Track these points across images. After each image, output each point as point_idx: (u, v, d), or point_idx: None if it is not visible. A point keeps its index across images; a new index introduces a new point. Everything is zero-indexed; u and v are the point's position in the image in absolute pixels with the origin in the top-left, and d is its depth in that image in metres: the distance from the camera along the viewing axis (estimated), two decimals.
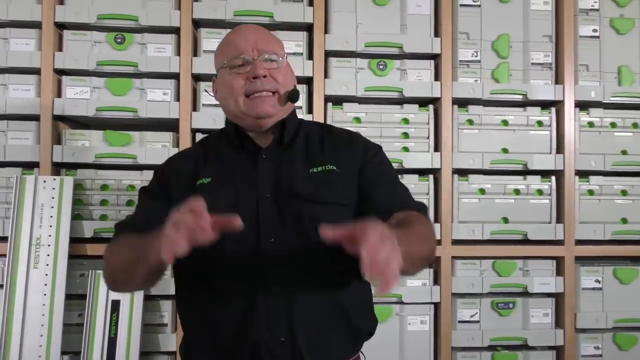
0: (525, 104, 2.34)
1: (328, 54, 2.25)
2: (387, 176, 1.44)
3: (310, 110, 2.23)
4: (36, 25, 2.18)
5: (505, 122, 2.31)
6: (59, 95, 2.20)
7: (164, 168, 1.47)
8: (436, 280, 2.25)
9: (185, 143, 2.16)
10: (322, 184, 1.34)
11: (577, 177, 2.31)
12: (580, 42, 2.35)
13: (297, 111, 2.19)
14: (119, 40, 2.21)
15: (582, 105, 2.36)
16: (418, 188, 2.24)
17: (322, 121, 2.21)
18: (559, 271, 2.29)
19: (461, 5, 2.30)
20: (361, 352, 1.44)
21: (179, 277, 1.43)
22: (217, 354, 1.32)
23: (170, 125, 2.22)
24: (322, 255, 1.23)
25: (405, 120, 2.27)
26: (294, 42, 2.24)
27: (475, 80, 2.29)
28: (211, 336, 1.32)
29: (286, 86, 1.39)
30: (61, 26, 2.23)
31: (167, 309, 2.13)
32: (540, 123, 2.33)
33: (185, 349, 1.40)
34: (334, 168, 1.37)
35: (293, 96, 1.40)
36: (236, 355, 1.29)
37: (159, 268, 1.25)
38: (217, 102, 2.12)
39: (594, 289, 2.30)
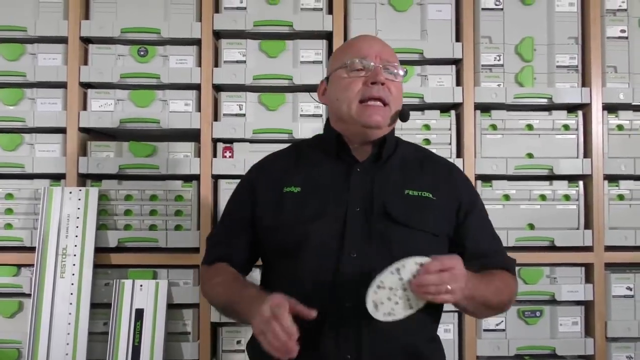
0: (550, 107, 2.29)
1: None
2: (487, 230, 1.45)
3: None
4: (63, 40, 2.24)
5: (530, 127, 2.27)
6: (85, 108, 2.25)
7: (255, 173, 1.48)
8: None
9: (207, 153, 2.19)
10: (416, 208, 1.33)
11: (606, 182, 2.25)
12: (608, 44, 2.28)
13: (316, 120, 2.24)
14: (142, 52, 2.25)
15: (611, 108, 2.29)
16: None
17: None
18: (588, 278, 2.23)
19: (483, 9, 2.27)
20: None
21: (265, 274, 1.47)
22: None
23: (191, 136, 2.24)
24: None
25: (427, 127, 2.25)
26: (313, 51, 2.24)
27: (499, 85, 2.25)
28: None
29: (398, 102, 1.38)
30: (86, 40, 2.28)
31: (189, 318, 2.15)
32: (566, 127, 2.27)
33: (253, 347, 1.39)
34: (431, 196, 1.37)
35: (404, 114, 1.39)
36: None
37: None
38: (238, 112, 2.18)
39: (625, 296, 2.23)
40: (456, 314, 2.20)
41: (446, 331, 2.19)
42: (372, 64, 1.34)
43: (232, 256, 1.43)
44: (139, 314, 2.07)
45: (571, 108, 2.30)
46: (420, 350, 1.34)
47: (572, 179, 2.26)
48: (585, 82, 2.28)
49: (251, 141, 2.22)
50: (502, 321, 2.20)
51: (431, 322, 1.41)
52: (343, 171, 1.37)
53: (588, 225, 2.24)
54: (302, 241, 1.31)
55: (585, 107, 2.28)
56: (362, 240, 1.29)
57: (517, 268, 2.16)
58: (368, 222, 1.30)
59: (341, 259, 1.28)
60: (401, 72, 1.39)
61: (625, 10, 2.30)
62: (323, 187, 1.35)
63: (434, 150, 2.18)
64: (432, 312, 1.35)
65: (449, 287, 1.13)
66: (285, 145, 1.57)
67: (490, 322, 2.20)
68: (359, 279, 1.24)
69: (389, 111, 1.35)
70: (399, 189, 1.35)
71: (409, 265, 1.19)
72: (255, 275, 1.65)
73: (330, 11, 2.25)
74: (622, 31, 2.29)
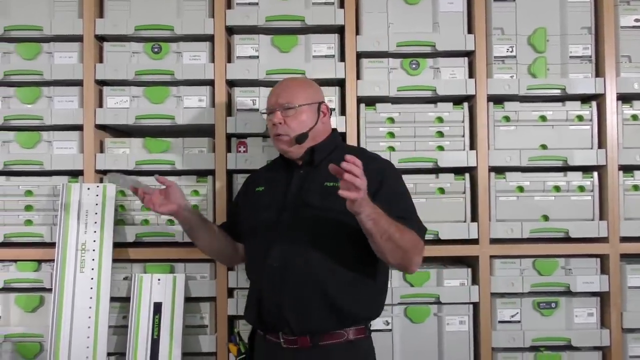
0: (564, 98, 2.28)
1: (360, 55, 2.26)
2: (399, 202, 1.73)
3: (343, 112, 2.24)
4: (78, 38, 2.27)
5: (543, 118, 2.26)
6: (101, 105, 2.29)
7: (247, 181, 2.03)
8: (474, 280, 2.23)
9: (221, 148, 2.21)
10: (329, 194, 1.66)
11: (620, 172, 2.24)
12: (622, 33, 2.27)
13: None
14: (155, 49, 2.27)
15: (625, 98, 2.28)
16: (454, 187, 2.23)
17: (355, 123, 2.22)
18: (604, 269, 2.23)
19: (495, 0, 2.26)
20: (367, 328, 1.78)
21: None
22: (247, 309, 1.84)
23: (206, 131, 2.27)
24: (317, 249, 1.68)
25: (440, 119, 2.25)
26: (325, 45, 2.25)
27: (511, 76, 2.25)
28: (249, 296, 1.85)
29: (300, 129, 1.80)
30: (101, 38, 2.31)
31: (207, 311, 2.19)
32: (580, 117, 2.27)
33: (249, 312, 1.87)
34: None
35: (299, 139, 1.79)
36: (252, 312, 1.78)
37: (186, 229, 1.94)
38: (251, 107, 2.23)
39: None
40: (471, 306, 2.21)
41: (461, 323, 2.20)
42: (273, 108, 1.83)
43: (226, 227, 2.02)
44: (157, 307, 2.11)
45: (585, 99, 2.29)
46: (342, 307, 1.68)
47: (586, 169, 2.26)
48: (599, 72, 2.27)
49: (265, 136, 2.24)
50: (518, 312, 2.21)
51: (364, 285, 1.74)
52: (288, 175, 1.84)
53: (603, 216, 2.24)
54: (255, 225, 1.82)
55: (599, 98, 2.27)
56: (291, 223, 1.74)
57: (532, 260, 2.21)
58: (295, 210, 1.75)
59: (276, 236, 1.74)
60: (300, 105, 1.80)
61: None
62: (275, 188, 1.84)
63: (447, 143, 2.24)
64: (344, 253, 1.70)
65: (357, 184, 1.43)
66: None
67: (505, 313, 2.21)
68: (286, 248, 1.72)
69: (290, 138, 1.80)
70: (320, 183, 1.75)
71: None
72: None
73: (341, 5, 2.26)
74: (637, 20, 2.28)
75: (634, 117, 2.27)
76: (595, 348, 2.23)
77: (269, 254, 1.73)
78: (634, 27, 2.27)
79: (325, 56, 2.25)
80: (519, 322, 2.21)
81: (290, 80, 1.92)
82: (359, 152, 1.90)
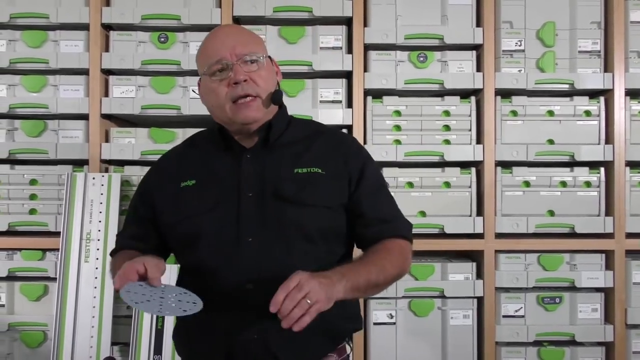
0: (572, 93, 2.27)
1: (367, 47, 2.25)
2: (382, 196, 1.44)
3: (350, 104, 2.23)
4: (84, 27, 2.26)
5: (550, 113, 2.25)
6: (106, 94, 2.28)
7: (152, 176, 1.50)
8: (479, 274, 2.22)
9: None
10: (306, 185, 1.34)
11: (627, 168, 2.24)
12: (631, 28, 2.26)
13: (336, 106, 2.23)
14: (162, 39, 2.26)
15: (633, 94, 2.27)
16: (460, 181, 2.22)
17: (362, 115, 2.21)
18: (609, 265, 2.23)
19: None
20: (348, 344, 1.44)
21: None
22: (201, 346, 1.35)
23: (212, 122, 2.24)
24: (298, 257, 1.29)
25: (447, 113, 2.24)
26: (333, 36, 2.24)
27: (519, 70, 2.24)
28: (197, 327, 1.35)
29: (267, 88, 1.37)
30: (107, 27, 2.30)
31: None
32: (588, 113, 2.26)
33: (177, 335, 1.44)
34: (320, 170, 1.37)
35: (276, 98, 1.38)
36: (213, 349, 1.32)
37: None
38: None
39: None
40: (475, 300, 2.21)
41: (465, 317, 2.20)
42: (229, 62, 1.33)
43: (135, 244, 1.43)
44: None
45: (593, 94, 2.28)
46: (334, 326, 1.35)
47: (593, 165, 2.25)
48: (607, 67, 2.26)
49: None
50: (522, 307, 2.21)
51: (349, 300, 1.36)
52: (235, 160, 1.38)
53: (609, 212, 2.23)
54: (199, 232, 1.33)
55: (607, 93, 2.26)
56: (257, 225, 1.31)
57: (537, 255, 2.21)
58: (261, 206, 1.32)
59: (238, 245, 1.30)
60: (262, 57, 1.37)
61: None
62: (216, 178, 1.37)
63: (453, 137, 2.23)
64: (333, 258, 1.36)
65: (307, 300, 1.13)
66: None
67: (509, 308, 2.21)
68: (258, 261, 1.29)
69: (261, 101, 1.35)
70: (289, 169, 1.36)
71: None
72: None
73: None
74: None
75: None
76: (599, 343, 2.23)
77: (234, 272, 1.29)
78: None
79: (333, 48, 2.24)
80: (523, 316, 2.21)
81: (234, 26, 1.49)
82: (317, 129, 1.50)
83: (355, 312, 1.46)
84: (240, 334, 1.29)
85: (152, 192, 1.44)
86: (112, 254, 1.50)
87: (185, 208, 1.36)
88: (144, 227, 1.44)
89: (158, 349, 2.06)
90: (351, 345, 1.46)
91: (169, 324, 2.08)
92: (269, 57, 1.41)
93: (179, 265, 1.47)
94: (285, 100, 2.19)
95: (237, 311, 1.29)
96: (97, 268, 2.10)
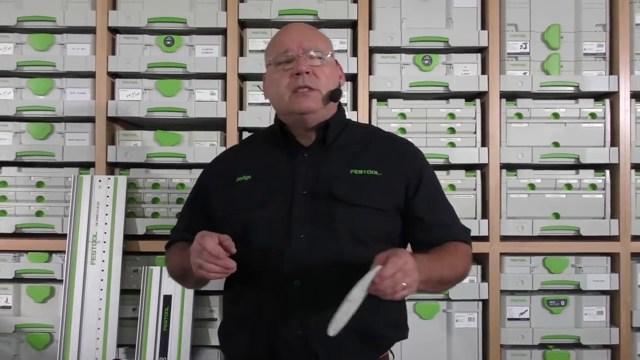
0: (577, 96, 2.27)
1: (372, 50, 2.25)
2: (440, 201, 1.48)
3: (355, 107, 2.24)
4: (91, 30, 2.27)
5: (556, 115, 2.25)
6: (113, 97, 2.29)
7: (208, 171, 1.56)
8: (484, 277, 2.22)
9: (232, 141, 2.21)
10: (360, 186, 1.36)
11: (633, 171, 2.23)
12: (637, 30, 2.26)
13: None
14: (168, 42, 2.27)
15: (639, 96, 2.27)
16: (465, 184, 2.22)
17: (367, 118, 2.21)
18: (614, 268, 2.22)
19: None
20: (390, 351, 1.46)
21: None
22: (243, 341, 1.37)
23: (217, 125, 2.27)
24: (348, 258, 1.31)
25: (452, 115, 2.24)
26: (338, 39, 2.24)
27: (524, 73, 2.24)
28: (240, 322, 1.39)
29: (328, 85, 1.41)
30: (114, 30, 2.31)
31: (216, 304, 2.19)
32: (593, 115, 2.25)
33: (222, 331, 1.48)
34: (376, 173, 1.40)
35: (334, 95, 1.41)
36: (256, 344, 1.35)
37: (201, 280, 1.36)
38: (263, 101, 2.21)
39: None
40: (480, 303, 2.21)
41: (470, 320, 2.20)
42: (294, 54, 1.39)
43: (187, 236, 1.44)
44: (167, 300, 2.11)
45: (598, 96, 2.28)
46: (376, 333, 1.37)
47: (598, 167, 2.25)
48: (613, 69, 2.26)
49: None
50: (527, 310, 2.20)
51: (395, 306, 1.41)
52: (291, 158, 1.42)
53: (614, 214, 2.23)
54: (250, 226, 1.36)
55: (612, 95, 2.26)
56: (309, 222, 1.34)
57: (542, 257, 2.21)
58: (314, 205, 1.35)
59: (289, 241, 1.33)
60: (327, 55, 1.42)
61: None
62: (271, 174, 1.41)
63: (458, 140, 2.23)
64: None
65: (404, 284, 1.15)
66: None
67: (514, 311, 2.20)
68: (307, 258, 1.31)
69: (319, 94, 1.38)
70: (344, 170, 1.39)
71: (358, 292, 1.17)
72: None
73: (355, 0, 2.25)
74: None
75: None
76: (604, 346, 2.22)
77: (284, 267, 1.32)
78: None
79: (338, 51, 2.23)
80: (528, 319, 2.21)
81: (304, 24, 1.52)
82: (374, 132, 1.56)
83: (401, 320, 1.47)
84: (283, 330, 1.31)
85: (208, 186, 1.49)
86: (167, 247, 1.56)
87: (239, 202, 1.39)
88: (198, 221, 1.47)
89: (164, 351, 2.07)
90: (394, 354, 1.48)
91: (175, 325, 2.09)
92: (335, 60, 1.46)
93: None
94: None
95: (282, 307, 1.32)
96: (103, 270, 2.11)
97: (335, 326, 1.15)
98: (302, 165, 1.40)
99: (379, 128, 1.58)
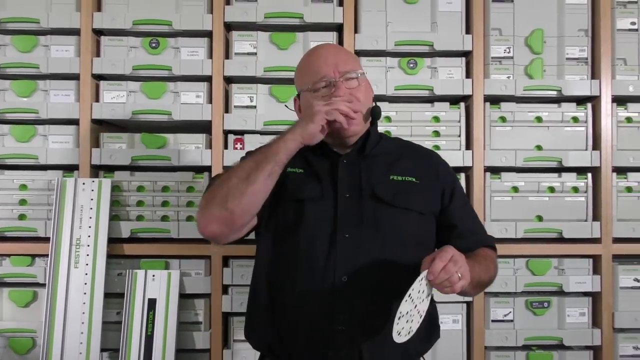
0: (559, 100, 2.29)
1: (358, 54, 2.25)
2: (470, 210, 1.61)
3: None
4: (75, 32, 2.25)
5: (539, 119, 2.28)
6: (97, 99, 2.27)
7: None
8: None
9: (218, 144, 2.20)
10: (401, 190, 1.45)
11: (614, 174, 2.26)
12: (618, 36, 2.29)
13: None
14: (153, 44, 2.26)
15: (620, 100, 2.30)
16: None
17: None
18: (596, 270, 2.25)
19: (493, 0, 2.27)
20: (423, 358, 1.53)
21: (263, 250, 1.49)
22: (286, 333, 1.40)
23: (203, 127, 2.26)
24: (391, 257, 1.38)
25: (436, 119, 2.26)
26: (324, 42, 2.24)
27: (508, 77, 2.26)
28: (283, 313, 1.41)
29: (367, 103, 1.48)
30: (99, 32, 2.30)
31: (201, 308, 2.18)
32: (575, 119, 2.28)
33: (256, 322, 1.47)
34: (414, 180, 1.49)
35: (376, 114, 1.48)
36: (293, 335, 1.38)
37: (275, 167, 1.37)
38: (249, 104, 2.21)
39: (632, 287, 2.25)
40: (464, 305, 2.22)
41: (454, 322, 2.21)
42: (332, 80, 1.43)
43: None
44: (152, 303, 2.10)
45: (580, 100, 2.30)
46: (415, 351, 1.45)
47: (580, 171, 2.27)
48: (594, 74, 2.29)
49: (262, 133, 2.24)
50: (510, 312, 2.22)
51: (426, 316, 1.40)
52: (330, 164, 1.48)
53: (596, 217, 2.26)
54: (299, 218, 1.42)
55: (594, 100, 2.29)
56: (354, 223, 1.40)
57: (525, 259, 2.23)
58: (358, 206, 1.41)
59: (335, 240, 1.38)
60: (360, 73, 1.47)
61: (636, 2, 2.30)
62: (317, 175, 1.46)
63: (443, 143, 2.25)
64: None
65: (458, 274, 1.22)
66: None
67: (498, 312, 2.22)
68: (353, 256, 1.37)
69: (361, 116, 1.45)
70: (384, 175, 1.46)
71: (416, 286, 1.24)
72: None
73: (340, 3, 2.26)
74: (633, 23, 2.30)
75: (628, 119, 2.29)
76: (587, 347, 2.25)
77: (331, 263, 1.36)
78: (630, 30, 2.29)
79: None
80: (511, 321, 2.23)
81: (334, 45, 1.59)
82: (406, 143, 1.63)
83: (433, 328, 1.52)
84: (327, 324, 1.35)
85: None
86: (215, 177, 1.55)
87: (289, 191, 1.44)
88: None
89: (148, 355, 2.06)
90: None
91: (159, 329, 2.08)
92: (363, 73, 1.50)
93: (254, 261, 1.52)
94: (278, 106, 2.22)
95: (327, 302, 1.35)
96: (86, 274, 2.10)
97: (401, 331, 1.22)
98: (342, 170, 1.46)
99: (409, 141, 1.66)
